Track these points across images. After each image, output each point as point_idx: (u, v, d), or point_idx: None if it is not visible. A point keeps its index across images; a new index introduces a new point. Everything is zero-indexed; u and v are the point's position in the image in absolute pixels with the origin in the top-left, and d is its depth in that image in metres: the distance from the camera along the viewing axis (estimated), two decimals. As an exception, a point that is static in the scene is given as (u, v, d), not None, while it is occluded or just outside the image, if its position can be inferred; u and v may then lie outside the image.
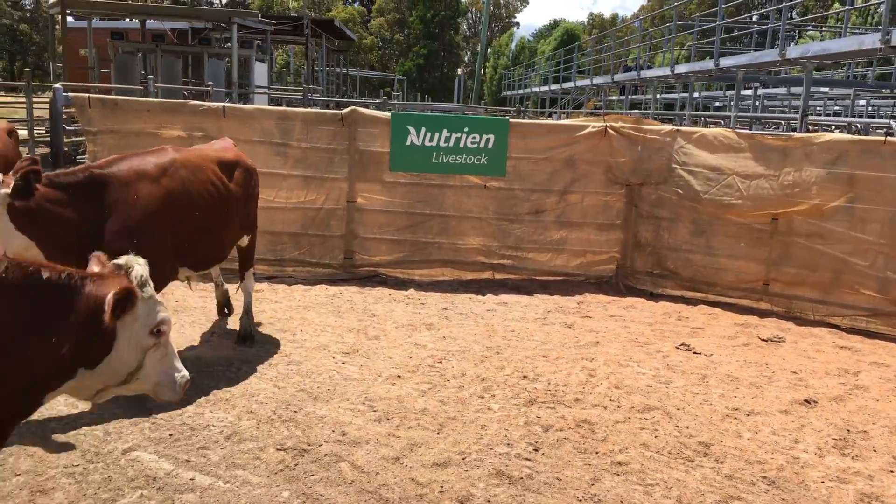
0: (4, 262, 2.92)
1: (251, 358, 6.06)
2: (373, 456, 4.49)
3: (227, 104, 8.82)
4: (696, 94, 24.71)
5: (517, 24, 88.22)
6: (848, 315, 7.96)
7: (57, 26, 20.98)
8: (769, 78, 17.06)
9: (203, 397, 5.20)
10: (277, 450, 4.51)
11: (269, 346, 6.38)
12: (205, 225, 5.60)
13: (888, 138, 7.64)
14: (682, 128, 9.01)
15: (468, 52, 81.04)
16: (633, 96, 30.61)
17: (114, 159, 5.21)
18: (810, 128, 11.86)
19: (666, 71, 18.88)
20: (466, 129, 8.72)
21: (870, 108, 23.50)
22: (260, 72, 21.35)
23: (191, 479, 4.13)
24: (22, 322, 2.92)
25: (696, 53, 19.40)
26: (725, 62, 14.71)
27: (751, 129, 12.49)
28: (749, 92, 22.89)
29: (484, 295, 8.58)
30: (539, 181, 8.98)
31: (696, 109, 26.35)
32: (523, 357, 6.48)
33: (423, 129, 8.68)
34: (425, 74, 73.58)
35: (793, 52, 11.92)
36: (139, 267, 3.25)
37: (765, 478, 4.52)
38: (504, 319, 7.67)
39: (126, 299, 3.05)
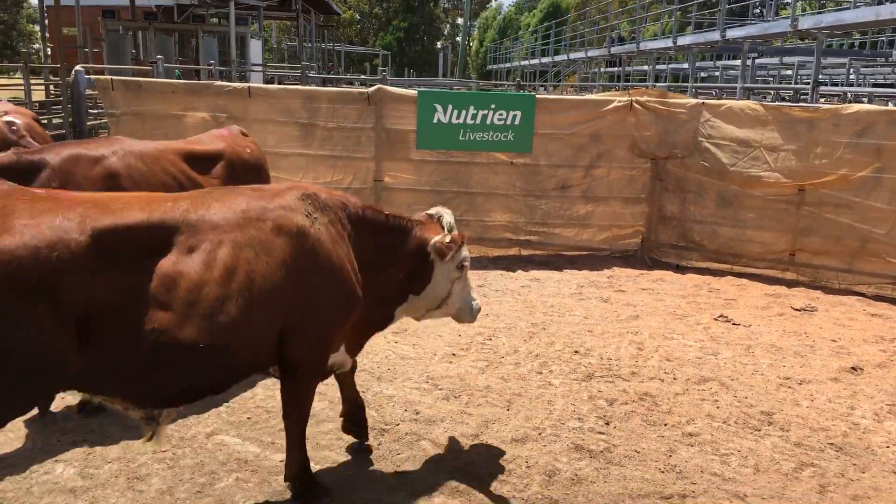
0: (360, 205, 3.84)
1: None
2: (451, 434, 4.56)
3: (252, 84, 8.72)
4: (684, 65, 25.02)
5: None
6: (874, 283, 8.12)
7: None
8: (765, 48, 17.11)
9: (270, 379, 5.23)
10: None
11: (319, 328, 6.40)
12: None
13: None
14: (708, 101, 9.06)
15: (448, 25, 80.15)
16: (616, 68, 30.71)
17: (53, 145, 5.01)
18: (822, 99, 11.96)
19: (668, 42, 18.86)
20: (493, 106, 8.71)
21: (859, 78, 23.72)
22: (255, 49, 21.07)
23: (280, 461, 4.17)
24: (380, 250, 3.81)
25: (695, 24, 19.38)
26: (733, 33, 14.74)
27: (763, 100, 12.59)
28: (737, 62, 23.08)
29: (514, 271, 8.64)
30: (565, 156, 9.01)
31: (685, 81, 26.65)
32: (569, 332, 6.56)
33: (450, 107, 8.66)
34: (405, 48, 72.76)
35: (806, 22, 11.97)
36: (447, 215, 4.11)
37: (832, 444, 4.65)
38: (540, 295, 7.75)
39: (452, 243, 3.92)
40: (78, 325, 2.82)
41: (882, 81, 25.38)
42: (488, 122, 8.72)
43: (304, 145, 8.70)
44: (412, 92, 8.80)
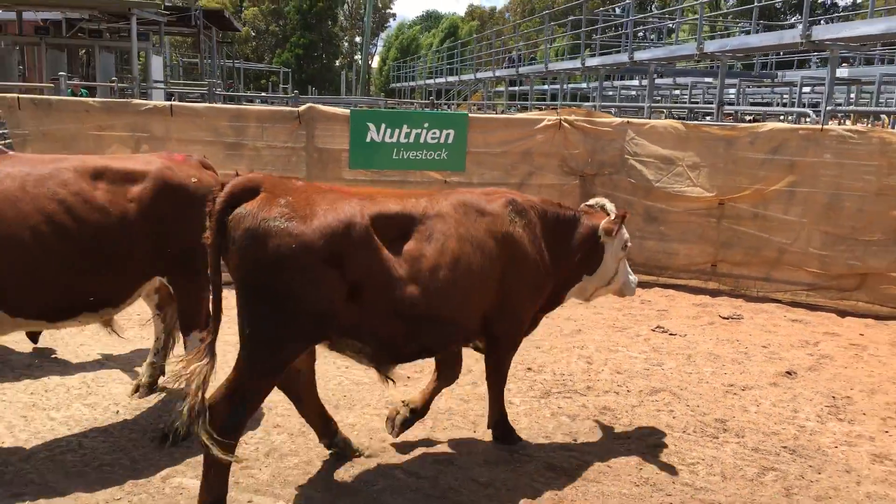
0: (543, 203, 4.62)
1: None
2: (424, 460, 4.45)
3: (174, 103, 8.32)
4: (565, 86, 26.34)
5: (394, 14, 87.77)
6: (790, 290, 8.60)
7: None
8: (667, 70, 18.00)
9: (221, 414, 4.94)
10: (325, 462, 4.37)
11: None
12: (35, 255, 4.11)
13: (824, 126, 8.29)
14: (633, 119, 9.38)
15: (346, 43, 79.78)
16: (516, 87, 31.71)
17: None
18: (725, 117, 12.66)
19: (576, 63, 19.50)
20: (427, 125, 8.68)
21: (740, 97, 25.33)
22: (156, 65, 20.22)
23: (248, 502, 3.93)
24: (562, 238, 4.56)
25: (600, 46, 20.16)
26: (640, 55, 15.43)
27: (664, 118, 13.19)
28: (633, 82, 24.40)
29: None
30: (497, 175, 9.09)
31: (584, 100, 27.93)
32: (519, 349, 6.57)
33: (384, 126, 8.57)
34: (304, 65, 71.84)
35: (711, 45, 12.71)
36: (608, 203, 4.83)
37: (785, 447, 4.84)
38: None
39: (620, 226, 4.67)
40: (350, 288, 3.66)
41: (759, 101, 27.26)
42: (422, 140, 8.69)
43: (232, 165, 8.35)
44: (344, 111, 8.65)
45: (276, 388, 3.92)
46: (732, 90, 22.25)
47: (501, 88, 38.09)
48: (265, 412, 5.01)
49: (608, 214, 4.74)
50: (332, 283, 3.61)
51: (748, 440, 4.92)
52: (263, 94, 37.32)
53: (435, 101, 18.52)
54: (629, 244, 4.85)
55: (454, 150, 8.81)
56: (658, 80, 23.31)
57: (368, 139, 8.57)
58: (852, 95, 20.00)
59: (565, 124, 9.05)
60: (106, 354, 5.99)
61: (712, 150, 8.68)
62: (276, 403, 5.16)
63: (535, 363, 6.23)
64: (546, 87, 30.03)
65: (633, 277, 5.00)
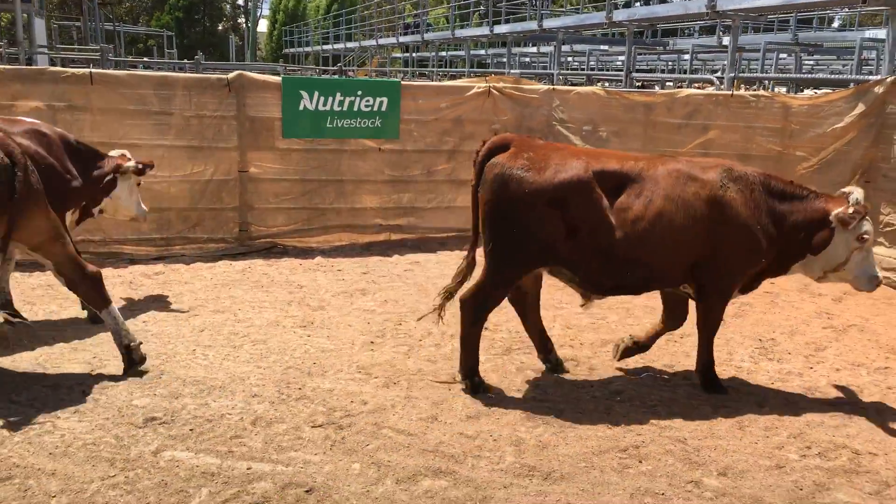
0: (772, 178, 5.12)
1: (209, 341, 5.75)
2: (410, 418, 4.60)
3: (94, 70, 7.88)
4: (472, 52, 26.85)
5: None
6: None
7: None
8: (573, 38, 18.54)
9: (193, 387, 4.90)
10: (313, 427, 4.45)
11: (219, 328, 6.07)
12: None
13: (734, 92, 8.92)
14: (558, 87, 9.70)
15: (228, 6, 76.25)
16: (407, 54, 31.81)
17: None
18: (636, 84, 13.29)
19: (484, 30, 19.70)
20: (360, 93, 8.66)
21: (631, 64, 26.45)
22: (38, 29, 18.75)
23: (248, 469, 3.97)
24: (785, 213, 5.01)
25: (505, 12, 20.45)
26: (549, 23, 15.81)
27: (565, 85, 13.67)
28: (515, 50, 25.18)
29: (391, 256, 8.72)
30: (430, 142, 9.21)
31: (472, 66, 28.48)
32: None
33: (317, 93, 8.48)
34: (185, 29, 68.20)
35: (620, 14, 13.23)
36: (857, 193, 4.93)
37: (730, 386, 5.32)
38: (427, 278, 7.91)
39: (855, 213, 4.85)
40: (568, 227, 4.72)
41: (645, 68, 28.57)
42: (355, 108, 8.66)
43: (159, 135, 8.06)
44: (276, 78, 8.50)
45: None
46: (621, 57, 23.21)
47: (398, 55, 37.96)
48: (239, 383, 5.01)
49: (850, 204, 4.88)
50: (555, 222, 4.70)
51: (696, 382, 5.38)
52: (145, 59, 35.26)
53: (343, 68, 18.17)
54: (868, 237, 4.90)
55: (388, 117, 8.84)
56: (530, 49, 23.99)
57: (301, 107, 8.46)
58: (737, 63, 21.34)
59: (494, 91, 9.26)
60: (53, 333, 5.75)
61: (633, 116, 9.15)
62: (247, 374, 5.18)
63: (490, 322, 6.44)
64: (445, 53, 30.20)
65: (876, 273, 5.03)
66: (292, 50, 51.61)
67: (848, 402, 5.15)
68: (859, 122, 8.37)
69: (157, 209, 7.94)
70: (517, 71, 23.58)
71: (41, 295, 6.78)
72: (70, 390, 4.80)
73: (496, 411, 4.77)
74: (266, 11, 76.06)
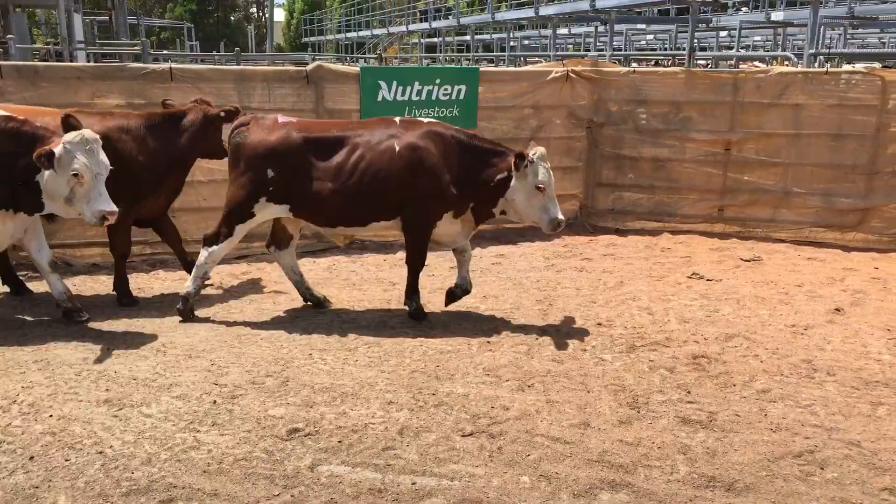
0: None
1: (322, 345, 5.56)
2: (560, 425, 4.38)
3: (174, 65, 7.66)
4: (499, 36, 26.88)
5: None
6: (794, 229, 8.95)
7: None
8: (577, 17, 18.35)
9: (325, 394, 4.71)
10: (464, 436, 4.24)
11: (327, 330, 5.88)
12: None
13: (829, 68, 8.55)
14: (639, 68, 9.38)
15: (241, -5, 75.69)
16: (435, 39, 31.69)
17: None
18: (700, 62, 12.90)
19: (528, 12, 19.34)
20: (438, 81, 8.41)
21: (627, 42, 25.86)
22: (77, 25, 18.58)
23: (413, 485, 3.77)
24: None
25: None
26: (603, 3, 15.44)
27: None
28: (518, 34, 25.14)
29: (472, 249, 8.47)
30: (507, 129, 8.94)
31: (489, 50, 28.46)
32: (576, 306, 6.58)
33: (395, 83, 8.25)
34: (198, 21, 67.88)
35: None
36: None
37: (878, 382, 5.05)
38: (517, 271, 7.69)
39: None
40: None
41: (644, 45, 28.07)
42: (433, 97, 8.41)
43: (239, 131, 7.83)
44: (354, 69, 8.26)
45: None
46: (661, 36, 22.69)
47: (416, 41, 37.63)
48: (371, 389, 4.81)
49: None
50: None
51: (841, 378, 5.11)
52: (164, 52, 35.07)
53: (382, 56, 17.85)
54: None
55: (466, 105, 8.59)
56: (561, 31, 23.92)
57: (380, 98, 8.22)
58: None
59: (573, 75, 8.95)
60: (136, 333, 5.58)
61: (719, 95, 8.81)
62: (375, 379, 4.97)
63: (599, 318, 6.24)
64: (452, 39, 30.18)
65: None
66: (312, 38, 51.30)
67: None
68: (963, 97, 7.99)
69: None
70: (519, 53, 23.57)
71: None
72: (200, 401, 4.62)
73: (647, 415, 4.53)
74: (282, 0, 75.72)
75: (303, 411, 4.50)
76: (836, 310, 6.50)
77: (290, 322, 6.09)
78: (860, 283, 7.30)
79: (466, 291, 6.33)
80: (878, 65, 14.26)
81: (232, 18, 71.37)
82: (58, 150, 5.17)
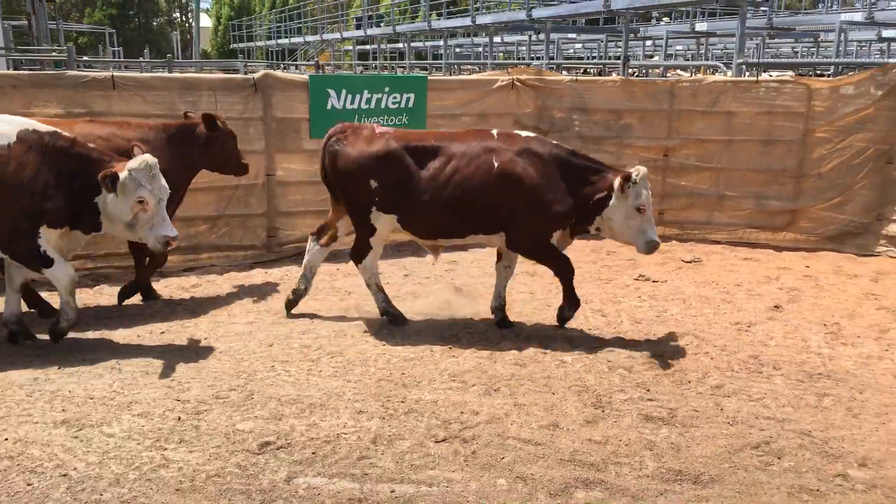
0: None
1: (284, 356, 5.50)
2: (530, 427, 4.47)
3: (116, 73, 7.44)
4: (428, 43, 27.31)
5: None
6: (729, 231, 9.35)
7: None
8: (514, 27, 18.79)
9: (293, 406, 4.67)
10: (437, 442, 4.28)
11: (287, 341, 5.82)
12: None
13: (758, 78, 8.99)
14: (581, 77, 9.63)
15: (164, 0, 73.78)
16: (367, 47, 31.83)
17: None
18: (630, 71, 13.33)
19: (465, 21, 19.54)
20: (387, 89, 8.44)
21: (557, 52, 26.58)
22: (-4, 30, 17.70)
23: (392, 492, 3.79)
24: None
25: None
26: (539, 13, 15.75)
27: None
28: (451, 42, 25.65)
29: (425, 256, 8.49)
30: (455, 137, 9.01)
31: (423, 58, 28.86)
32: (532, 310, 6.75)
33: (344, 91, 8.23)
34: (119, 26, 65.71)
35: (617, 3, 13.25)
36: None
37: (821, 374, 5.35)
38: (470, 278, 7.78)
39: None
40: None
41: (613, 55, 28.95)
42: (383, 105, 8.44)
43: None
44: (303, 77, 8.20)
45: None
46: (589, 45, 23.31)
47: (349, 48, 37.50)
48: (339, 399, 4.79)
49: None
50: None
51: (786, 371, 5.39)
52: (84, 58, 33.75)
53: (319, 63, 17.76)
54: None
55: (414, 113, 8.64)
56: (494, 39, 24.48)
57: (329, 106, 8.19)
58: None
59: (518, 83, 9.13)
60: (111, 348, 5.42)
61: (657, 102, 9.14)
62: (342, 389, 4.96)
63: (556, 321, 6.38)
64: (385, 46, 30.34)
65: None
66: (241, 45, 50.42)
67: (939, 384, 5.23)
68: (880, 104, 8.53)
69: (182, 217, 7.59)
70: (454, 61, 23.97)
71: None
72: (163, 418, 4.51)
73: (611, 414, 4.68)
74: (205, 5, 74.05)
75: (272, 424, 4.45)
76: (775, 307, 6.85)
77: (248, 334, 6.00)
78: (794, 281, 7.70)
79: (501, 308, 6.27)
80: (791, 73, 15.11)
81: (154, 23, 69.46)
82: (122, 175, 5.20)
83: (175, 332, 6.05)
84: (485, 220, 5.88)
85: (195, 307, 6.70)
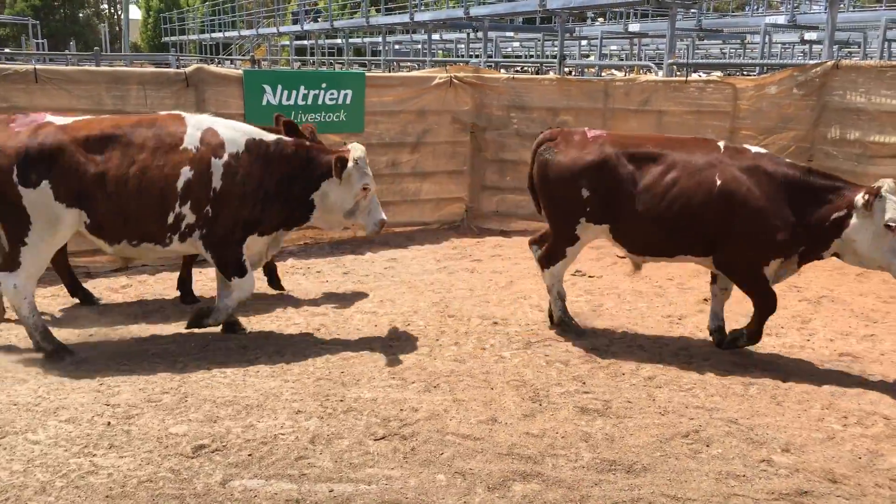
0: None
1: (221, 358, 5.40)
2: (469, 422, 4.51)
3: (39, 66, 7.13)
4: (365, 40, 27.42)
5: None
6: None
7: None
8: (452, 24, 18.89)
9: (228, 408, 4.59)
10: (376, 440, 4.28)
11: (225, 341, 5.72)
12: None
13: (687, 78, 9.26)
14: (518, 75, 9.74)
15: (92, -9, 71.21)
16: (306, 42, 31.58)
17: None
18: (565, 70, 13.56)
19: (403, 18, 19.49)
20: (325, 85, 8.36)
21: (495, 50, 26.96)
22: None
23: (331, 492, 3.77)
24: None
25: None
26: (477, 11, 15.83)
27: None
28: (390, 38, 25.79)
29: (364, 254, 8.52)
30: (394, 134, 9.02)
31: (362, 54, 28.85)
32: (471, 306, 6.76)
33: (280, 87, 8.12)
34: (43, 17, 63.08)
35: (553, 3, 13.43)
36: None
37: (746, 364, 5.56)
38: (410, 275, 7.78)
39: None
40: None
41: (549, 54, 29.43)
42: (320, 102, 8.36)
43: (113, 137, 7.43)
44: (237, 71, 8.04)
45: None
46: (526, 43, 23.63)
47: (286, 42, 36.99)
48: (276, 400, 4.73)
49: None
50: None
51: (715, 361, 5.58)
52: (6, 50, 32.33)
53: (255, 58, 17.53)
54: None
55: (352, 110, 8.59)
56: (433, 36, 24.68)
57: (265, 102, 8.06)
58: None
59: (456, 81, 9.17)
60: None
61: (592, 99, 9.33)
62: (280, 390, 4.91)
63: (495, 316, 6.45)
64: (324, 41, 30.17)
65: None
66: (173, 38, 49.10)
67: (854, 370, 5.50)
68: (800, 104, 8.91)
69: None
70: (393, 58, 24.04)
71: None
72: (92, 423, 4.37)
73: (548, 407, 4.76)
74: (141, -5, 71.70)
75: (207, 427, 4.36)
76: (705, 300, 7.05)
77: (182, 335, 5.87)
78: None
79: (720, 329, 5.86)
80: (719, 73, 15.63)
81: (81, 15, 67.03)
82: (350, 164, 5.42)
83: (105, 334, 5.86)
84: (697, 241, 5.47)
85: (126, 309, 6.51)
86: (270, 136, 5.53)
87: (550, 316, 6.16)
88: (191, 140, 5.24)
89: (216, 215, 5.33)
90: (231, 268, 5.54)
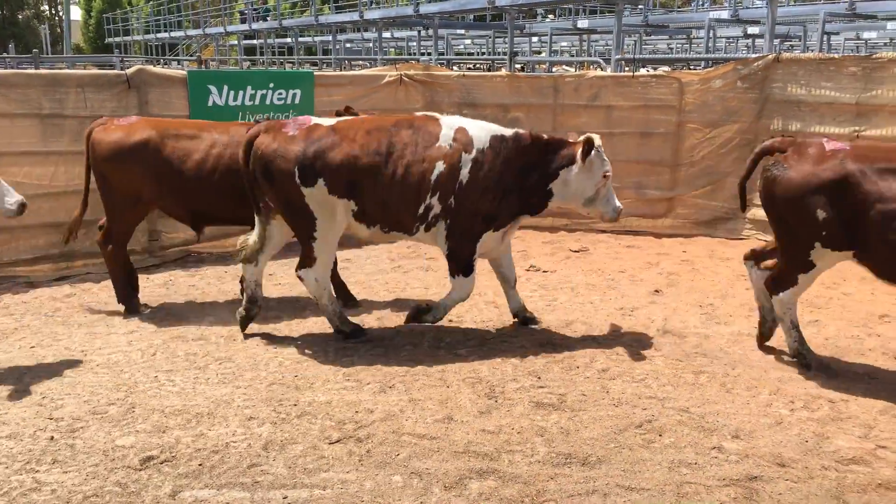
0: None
1: (168, 365, 5.27)
2: (425, 421, 4.49)
3: (-31, 69, 6.87)
4: (317, 39, 27.22)
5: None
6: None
7: None
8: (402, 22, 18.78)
9: (178, 417, 4.48)
10: (331, 443, 4.22)
11: (173, 349, 5.58)
12: None
13: (635, 74, 9.38)
14: (469, 73, 9.73)
15: (29, -8, 69.08)
16: (254, 41, 31.20)
17: None
18: (517, 67, 13.63)
19: (353, 16, 19.32)
20: (272, 85, 8.24)
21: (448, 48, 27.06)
22: None
23: (284, 499, 3.70)
24: None
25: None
26: (426, 9, 15.78)
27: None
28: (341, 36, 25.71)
29: (317, 255, 8.39)
30: (344, 133, 8.91)
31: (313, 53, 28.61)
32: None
33: (226, 88, 7.97)
34: (-22, 19, 60.93)
35: (502, 0, 13.47)
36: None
37: (697, 353, 5.66)
38: (365, 274, 7.73)
39: None
40: None
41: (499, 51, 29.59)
42: (268, 102, 8.24)
43: (51, 141, 7.22)
44: (181, 72, 7.86)
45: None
46: (477, 41, 23.62)
47: (234, 42, 36.43)
48: (228, 407, 4.64)
49: None
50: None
51: (668, 353, 5.66)
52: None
53: (202, 58, 17.19)
54: None
55: (301, 110, 8.47)
56: (384, 35, 24.60)
57: (210, 103, 7.91)
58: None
59: (406, 79, 9.13)
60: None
61: (542, 96, 9.38)
62: (231, 396, 4.81)
63: (450, 314, 6.41)
64: (273, 41, 29.83)
65: None
66: (117, 39, 47.88)
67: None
68: (744, 97, 9.10)
69: (54, 224, 7.17)
70: (343, 57, 23.88)
71: None
72: (34, 438, 4.22)
73: (504, 403, 4.76)
74: (82, -4, 69.75)
75: (155, 437, 4.26)
76: (656, 291, 7.19)
77: (128, 344, 5.71)
78: (672, 266, 8.10)
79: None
80: (666, 68, 15.89)
81: (20, 16, 64.97)
82: (593, 152, 5.52)
83: (47, 345, 5.68)
84: None
85: (69, 318, 6.31)
86: (509, 132, 5.75)
87: (796, 355, 5.41)
88: (445, 138, 5.58)
89: (459, 207, 5.58)
90: (461, 263, 5.79)
